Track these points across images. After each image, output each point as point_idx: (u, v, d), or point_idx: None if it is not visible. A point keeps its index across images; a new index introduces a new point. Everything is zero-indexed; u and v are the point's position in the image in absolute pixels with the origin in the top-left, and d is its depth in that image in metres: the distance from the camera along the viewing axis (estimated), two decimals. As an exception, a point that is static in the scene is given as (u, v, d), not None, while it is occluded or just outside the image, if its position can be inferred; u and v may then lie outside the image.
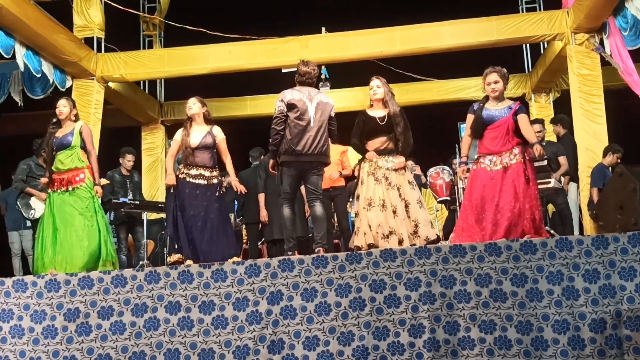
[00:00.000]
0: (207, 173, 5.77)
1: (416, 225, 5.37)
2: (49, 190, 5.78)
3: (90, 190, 5.74)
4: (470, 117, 5.54)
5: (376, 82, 5.68)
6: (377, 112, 5.61)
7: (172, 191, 5.79)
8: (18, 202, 7.29)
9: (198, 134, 5.83)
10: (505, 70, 5.55)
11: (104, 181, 7.19)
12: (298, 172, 5.56)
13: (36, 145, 7.56)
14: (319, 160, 5.59)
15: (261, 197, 7.43)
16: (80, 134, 5.81)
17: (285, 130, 5.49)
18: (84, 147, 5.82)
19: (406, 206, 5.42)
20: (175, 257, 5.59)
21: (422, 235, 5.34)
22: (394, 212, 5.36)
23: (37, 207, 7.16)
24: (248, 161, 8.48)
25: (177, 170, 5.93)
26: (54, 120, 5.87)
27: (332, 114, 5.68)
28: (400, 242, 5.27)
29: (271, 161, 5.72)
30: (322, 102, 5.60)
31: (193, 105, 5.92)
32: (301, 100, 5.51)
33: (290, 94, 5.53)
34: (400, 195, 5.42)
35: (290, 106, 5.49)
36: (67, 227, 5.60)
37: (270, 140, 5.58)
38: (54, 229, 5.63)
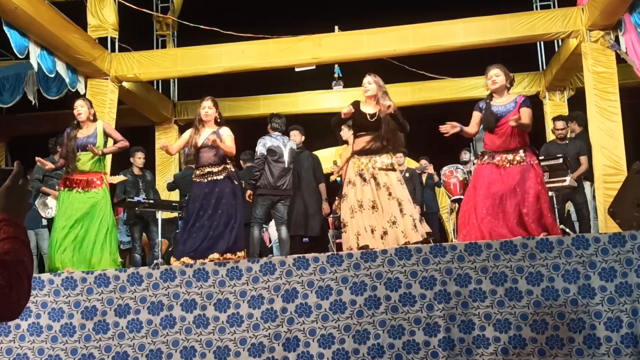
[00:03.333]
0: (214, 169, 5.80)
1: (414, 220, 5.34)
2: (62, 188, 5.85)
3: (106, 196, 5.88)
4: (476, 115, 5.52)
5: (368, 79, 5.64)
6: (368, 109, 5.58)
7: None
8: (35, 202, 7.35)
9: (205, 134, 5.88)
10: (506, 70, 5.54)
11: (119, 178, 7.23)
12: (270, 202, 6.91)
13: (52, 144, 7.63)
14: (287, 193, 7.01)
15: None
16: (105, 132, 5.97)
17: (265, 168, 6.83)
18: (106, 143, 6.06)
19: (399, 204, 5.36)
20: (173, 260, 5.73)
21: (419, 230, 5.32)
22: (385, 212, 5.33)
23: (54, 206, 7.20)
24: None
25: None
26: (74, 122, 5.93)
27: (296, 150, 7.18)
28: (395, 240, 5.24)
29: (248, 192, 6.85)
30: (292, 149, 7.06)
31: (210, 110, 5.90)
32: (279, 147, 6.94)
33: (270, 141, 6.94)
34: (390, 194, 5.37)
35: (270, 152, 6.87)
36: (83, 227, 5.71)
37: (251, 176, 6.92)
38: (68, 227, 5.70)
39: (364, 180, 5.39)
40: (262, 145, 6.90)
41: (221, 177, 5.75)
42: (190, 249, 5.56)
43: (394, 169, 5.51)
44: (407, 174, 8.91)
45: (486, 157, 5.42)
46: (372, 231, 5.27)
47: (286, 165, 6.93)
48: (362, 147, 5.49)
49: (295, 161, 7.34)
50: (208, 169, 5.78)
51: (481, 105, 5.51)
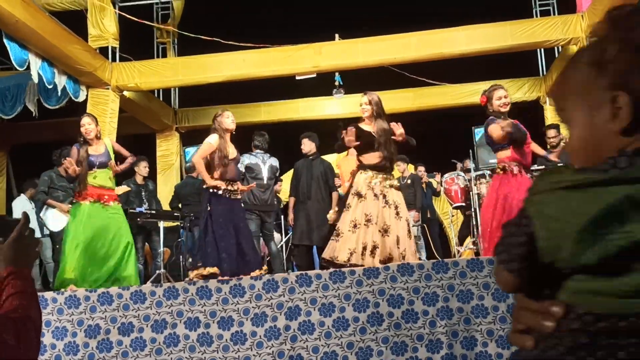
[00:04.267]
0: (238, 186, 5.88)
1: (414, 243, 5.39)
2: (82, 201, 5.83)
3: (122, 210, 6.05)
4: (498, 127, 5.42)
5: (363, 100, 5.65)
6: (369, 127, 5.59)
7: (209, 197, 5.77)
8: (41, 215, 7.36)
9: (232, 148, 5.89)
10: None
11: (124, 189, 7.25)
12: (259, 216, 7.17)
13: (56, 156, 7.63)
14: (271, 210, 7.38)
15: (291, 200, 7.68)
16: (114, 150, 6.08)
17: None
18: (119, 159, 6.12)
19: (407, 224, 5.40)
20: (211, 270, 5.57)
21: (417, 253, 5.39)
22: (385, 231, 5.29)
23: (59, 218, 7.21)
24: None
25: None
26: (81, 139, 5.93)
27: (278, 167, 7.46)
28: (388, 260, 5.19)
29: None
30: (272, 165, 7.34)
31: (234, 122, 5.96)
32: (257, 164, 7.21)
33: (249, 159, 7.21)
34: (398, 214, 5.36)
35: (248, 169, 7.14)
36: (105, 242, 5.78)
37: None
38: (90, 241, 5.73)
39: (375, 195, 5.36)
40: (241, 164, 7.09)
41: (240, 196, 5.85)
42: (230, 267, 5.60)
43: (399, 189, 5.56)
44: (409, 180, 8.93)
45: (515, 169, 5.31)
46: (373, 249, 5.27)
47: (265, 182, 7.21)
48: (375, 162, 5.45)
49: (306, 169, 7.37)
50: (234, 186, 5.80)
51: (498, 120, 5.41)
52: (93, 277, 5.66)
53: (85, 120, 5.94)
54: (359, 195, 5.39)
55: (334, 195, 7.38)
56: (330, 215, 7.34)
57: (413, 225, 8.78)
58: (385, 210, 5.33)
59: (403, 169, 8.99)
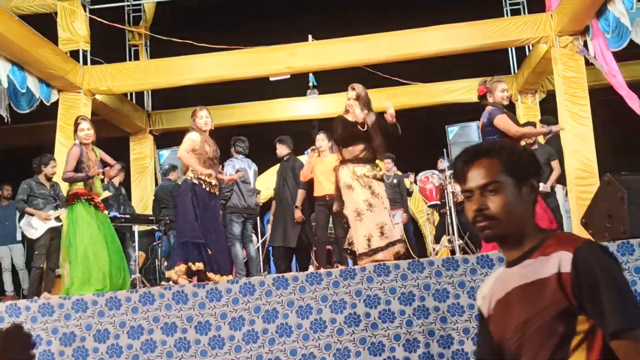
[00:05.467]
0: (217, 183, 5.82)
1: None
2: (85, 199, 5.71)
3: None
4: (510, 122, 5.53)
5: (350, 94, 5.71)
6: (354, 119, 5.64)
7: (191, 193, 5.65)
8: (20, 223, 7.26)
9: (211, 146, 5.82)
10: None
11: (107, 194, 7.18)
12: (243, 220, 7.32)
13: (36, 164, 7.52)
14: (255, 213, 7.68)
15: (274, 203, 7.76)
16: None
17: (234, 189, 7.25)
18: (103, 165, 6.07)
19: (389, 215, 5.56)
20: (199, 265, 5.39)
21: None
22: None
23: (39, 226, 7.10)
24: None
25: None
26: (77, 142, 5.81)
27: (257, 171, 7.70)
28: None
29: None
30: (256, 170, 7.58)
31: (208, 120, 5.86)
32: (244, 169, 7.30)
33: (238, 163, 7.37)
34: (383, 203, 5.48)
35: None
36: (115, 246, 5.74)
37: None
38: (108, 244, 5.66)
39: (362, 185, 5.44)
40: (232, 167, 7.26)
41: (217, 191, 5.78)
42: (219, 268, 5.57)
43: (382, 180, 5.62)
44: (394, 180, 8.88)
45: None
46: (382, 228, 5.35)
47: (252, 186, 7.43)
48: (355, 155, 5.52)
49: (280, 173, 7.47)
50: (215, 182, 5.73)
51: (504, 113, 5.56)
52: (120, 280, 5.58)
53: (85, 125, 5.82)
54: (348, 187, 5.46)
55: (299, 192, 7.32)
56: (296, 214, 7.33)
57: (396, 223, 8.81)
58: (377, 200, 5.43)
59: (390, 167, 8.93)
